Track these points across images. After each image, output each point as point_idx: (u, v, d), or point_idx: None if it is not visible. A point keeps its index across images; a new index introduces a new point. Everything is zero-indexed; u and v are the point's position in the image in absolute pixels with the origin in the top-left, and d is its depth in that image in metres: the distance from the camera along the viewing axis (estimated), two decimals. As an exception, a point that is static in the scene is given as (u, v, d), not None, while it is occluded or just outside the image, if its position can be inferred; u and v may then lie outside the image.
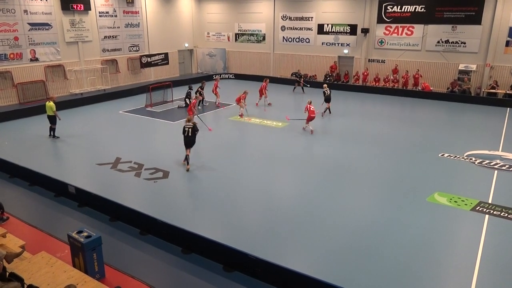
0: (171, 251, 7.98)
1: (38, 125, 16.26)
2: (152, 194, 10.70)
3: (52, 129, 15.48)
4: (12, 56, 20.42)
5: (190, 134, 12.21)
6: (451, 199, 10.26)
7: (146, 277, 6.98)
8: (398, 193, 10.68)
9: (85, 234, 6.73)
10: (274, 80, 28.18)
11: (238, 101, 18.81)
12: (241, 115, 18.72)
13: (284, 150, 14.21)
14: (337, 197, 10.49)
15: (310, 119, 16.24)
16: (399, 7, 24.53)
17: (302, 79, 25.69)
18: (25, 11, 20.57)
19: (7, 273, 5.24)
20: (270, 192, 10.82)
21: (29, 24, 20.87)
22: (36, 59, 21.53)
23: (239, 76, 30.42)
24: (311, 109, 16.16)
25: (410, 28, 24.54)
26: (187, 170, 12.14)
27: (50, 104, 15.10)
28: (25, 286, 5.12)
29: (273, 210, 9.74)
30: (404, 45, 24.96)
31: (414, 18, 24.24)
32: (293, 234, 8.64)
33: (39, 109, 19.13)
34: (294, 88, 25.60)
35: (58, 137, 15.46)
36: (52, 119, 15.30)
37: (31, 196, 10.63)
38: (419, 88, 24.08)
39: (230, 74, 30.99)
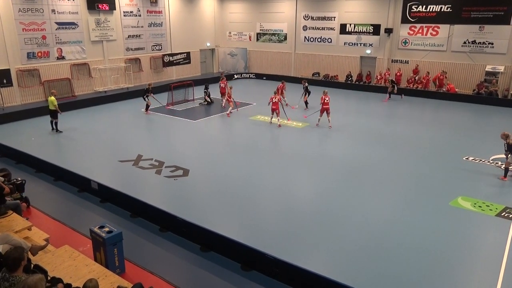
0: (190, 249, 8.05)
1: (64, 122, 16.66)
2: (172, 192, 10.82)
3: (55, 123, 16.06)
4: (40, 54, 21.00)
5: None
6: (475, 203, 9.99)
7: (165, 274, 7.06)
8: (420, 196, 10.47)
9: (107, 229, 6.87)
10: (295, 80, 28.09)
11: (229, 98, 19.29)
12: (228, 114, 19.00)
13: (304, 151, 14.12)
14: (357, 198, 10.36)
15: (322, 110, 16.54)
16: (424, 6, 24.02)
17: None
18: (53, 10, 21.12)
19: (32, 265, 5.39)
20: (289, 192, 10.78)
21: (57, 23, 21.41)
22: (63, 58, 22.07)
23: (260, 76, 30.43)
24: (326, 101, 16.45)
25: (436, 28, 24.00)
26: None
27: (51, 98, 15.65)
28: (49, 278, 5.25)
29: (292, 211, 9.70)
30: (429, 45, 24.43)
31: (440, 18, 23.69)
32: (311, 235, 8.58)
33: (65, 106, 19.60)
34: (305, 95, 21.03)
35: (61, 132, 16.04)
36: (53, 114, 15.86)
37: (56, 190, 10.91)
38: (444, 90, 23.53)
39: (251, 73, 31.04)
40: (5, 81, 19.79)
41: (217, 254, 7.83)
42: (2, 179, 8.93)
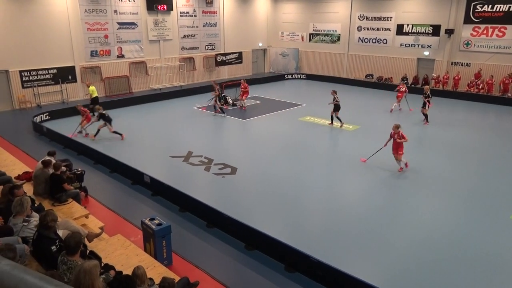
0: (235, 246, 8.13)
1: (121, 117, 17.47)
2: (220, 189, 11.00)
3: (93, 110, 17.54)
4: (102, 52, 22.24)
5: None
6: (541, 219, 9.23)
7: (210, 269, 7.19)
8: (479, 209, 9.83)
9: (157, 221, 7.12)
10: (347, 81, 27.56)
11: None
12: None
13: (354, 154, 13.77)
14: (411, 206, 9.93)
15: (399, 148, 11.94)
16: (490, 6, 22.54)
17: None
18: (115, 11, 22.28)
19: (88, 251, 5.71)
20: (337, 196, 10.58)
21: (118, 23, 22.56)
22: (122, 56, 23.22)
23: (310, 77, 30.12)
24: (404, 136, 11.87)
25: (502, 29, 22.43)
26: None
27: (93, 87, 18.34)
28: (102, 264, 5.53)
29: (339, 213, 9.51)
30: (494, 47, 22.90)
31: (508, 18, 22.11)
32: (358, 240, 8.35)
33: (124, 102, 20.66)
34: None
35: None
36: (96, 100, 18.02)
37: (111, 182, 11.47)
38: (509, 95, 21.95)
39: (302, 74, 30.81)
40: (70, 77, 21.19)
41: (262, 253, 7.84)
42: (65, 169, 9.54)
